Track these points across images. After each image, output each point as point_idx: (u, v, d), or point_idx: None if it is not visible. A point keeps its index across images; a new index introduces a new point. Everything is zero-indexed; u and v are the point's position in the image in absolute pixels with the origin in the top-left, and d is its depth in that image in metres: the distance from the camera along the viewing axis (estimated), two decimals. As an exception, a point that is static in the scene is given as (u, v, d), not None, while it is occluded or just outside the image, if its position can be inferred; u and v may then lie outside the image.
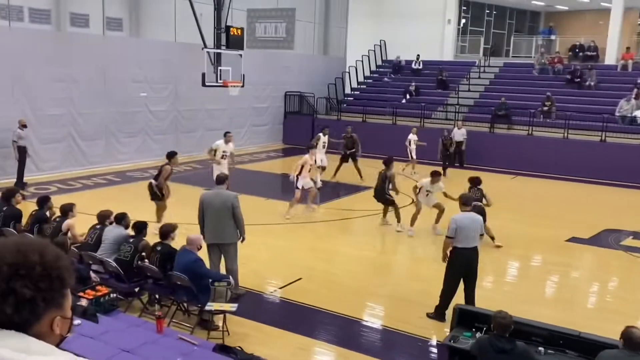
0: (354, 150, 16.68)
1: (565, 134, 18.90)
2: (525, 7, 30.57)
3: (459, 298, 7.45)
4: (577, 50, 24.14)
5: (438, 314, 7.52)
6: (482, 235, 7.60)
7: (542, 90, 21.29)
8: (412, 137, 17.96)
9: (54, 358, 1.50)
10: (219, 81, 15.99)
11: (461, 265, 7.33)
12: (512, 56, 27.23)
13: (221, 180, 8.12)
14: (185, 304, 7.24)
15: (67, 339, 1.64)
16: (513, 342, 4.96)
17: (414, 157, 17.88)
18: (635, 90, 19.51)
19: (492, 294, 8.71)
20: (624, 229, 12.50)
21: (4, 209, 8.55)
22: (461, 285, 7.52)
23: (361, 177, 16.26)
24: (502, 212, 13.69)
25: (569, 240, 11.67)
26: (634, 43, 24.42)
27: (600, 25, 25.62)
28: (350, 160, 16.69)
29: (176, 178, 15.46)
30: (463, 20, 27.43)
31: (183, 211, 10.76)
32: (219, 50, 16.10)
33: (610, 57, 22.91)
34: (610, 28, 22.95)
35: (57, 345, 1.61)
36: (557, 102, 20.59)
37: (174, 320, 7.05)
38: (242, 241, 7.99)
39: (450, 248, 7.35)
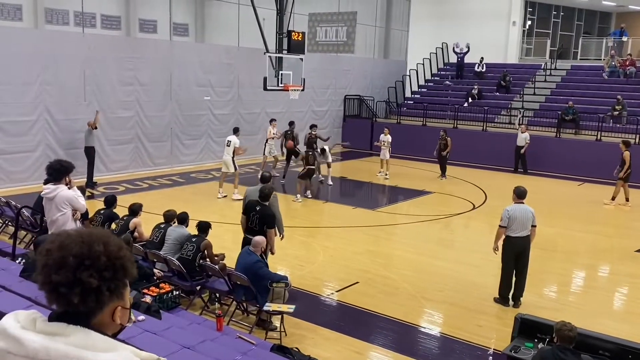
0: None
1: (637, 140, 18.06)
2: (595, 7, 29.40)
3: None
4: (651, 52, 23.02)
5: (503, 299, 8.17)
6: (534, 226, 8.02)
7: (612, 94, 20.44)
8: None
9: (116, 354, 1.55)
10: (280, 85, 16.20)
11: (512, 252, 8.03)
12: (580, 59, 26.28)
13: (266, 179, 8.61)
14: (244, 304, 7.37)
15: (125, 328, 1.70)
16: (578, 355, 4.78)
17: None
18: None
19: (556, 304, 8.45)
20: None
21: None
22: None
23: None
24: (568, 220, 13.24)
25: (638, 250, 11.14)
26: None
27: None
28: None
29: (240, 180, 15.77)
30: (529, 22, 26.68)
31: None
32: (280, 55, 16.31)
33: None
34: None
35: (117, 335, 1.67)
36: (629, 106, 19.72)
37: (233, 320, 7.19)
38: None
39: (503, 237, 8.05)
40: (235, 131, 14.67)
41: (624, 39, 24.96)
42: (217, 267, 7.36)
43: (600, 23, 30.92)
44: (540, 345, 5.54)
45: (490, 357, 6.74)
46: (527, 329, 5.84)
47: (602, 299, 8.90)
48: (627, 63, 22.24)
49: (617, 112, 19.53)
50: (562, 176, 18.30)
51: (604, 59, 23.67)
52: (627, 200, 14.78)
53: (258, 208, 7.84)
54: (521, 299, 8.16)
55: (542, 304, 8.20)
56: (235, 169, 14.15)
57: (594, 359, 5.09)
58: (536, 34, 27.02)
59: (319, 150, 15.99)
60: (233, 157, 14.07)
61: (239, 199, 13.59)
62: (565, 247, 11.53)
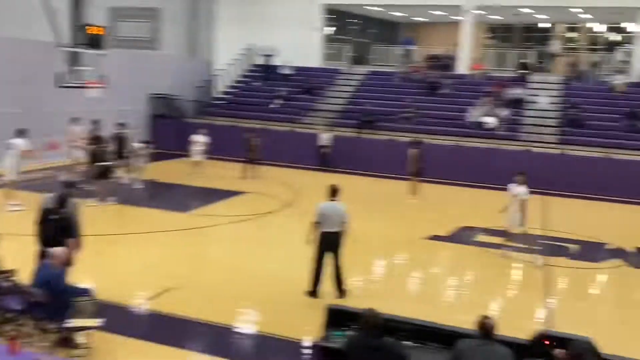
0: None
1: (425, 138, 20.07)
2: (387, 17, 32.10)
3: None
4: (434, 59, 25.84)
5: (314, 292, 8.50)
6: (345, 222, 8.50)
7: (403, 98, 22.48)
8: None
9: None
10: (78, 82, 15.06)
11: (325, 247, 8.45)
12: (376, 64, 28.42)
13: (66, 184, 8.23)
14: (43, 322, 6.70)
15: None
16: (381, 338, 5.15)
17: None
18: (484, 98, 21.30)
19: (359, 292, 9.02)
20: (478, 226, 13.53)
21: None
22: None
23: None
24: (364, 213, 14.27)
25: (428, 237, 12.43)
26: (482, 54, 26.71)
27: (454, 37, 27.53)
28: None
29: (28, 186, 14.33)
30: (329, 29, 28.17)
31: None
32: (76, 50, 15.15)
33: (463, 67, 24.76)
34: (462, 40, 24.84)
35: None
36: (418, 108, 21.86)
37: (30, 341, 6.50)
38: None
39: (316, 232, 8.43)
40: (21, 133, 13.01)
41: (412, 47, 27.55)
42: (8, 284, 6.60)
43: (392, 32, 33.86)
44: (349, 333, 5.86)
45: (305, 349, 6.99)
46: (337, 318, 6.14)
47: (398, 283, 9.77)
48: (415, 69, 24.68)
49: (408, 114, 21.54)
50: (363, 173, 19.64)
51: (396, 66, 25.92)
52: (415, 194, 16.34)
53: (56, 217, 7.21)
54: (343, 289, 8.61)
55: (352, 294, 8.69)
56: (17, 176, 12.70)
57: (395, 340, 5.52)
58: (336, 40, 28.66)
59: (130, 150, 15.27)
60: (17, 163, 12.63)
61: (18, 210, 12.27)
62: (369, 239, 12.39)
